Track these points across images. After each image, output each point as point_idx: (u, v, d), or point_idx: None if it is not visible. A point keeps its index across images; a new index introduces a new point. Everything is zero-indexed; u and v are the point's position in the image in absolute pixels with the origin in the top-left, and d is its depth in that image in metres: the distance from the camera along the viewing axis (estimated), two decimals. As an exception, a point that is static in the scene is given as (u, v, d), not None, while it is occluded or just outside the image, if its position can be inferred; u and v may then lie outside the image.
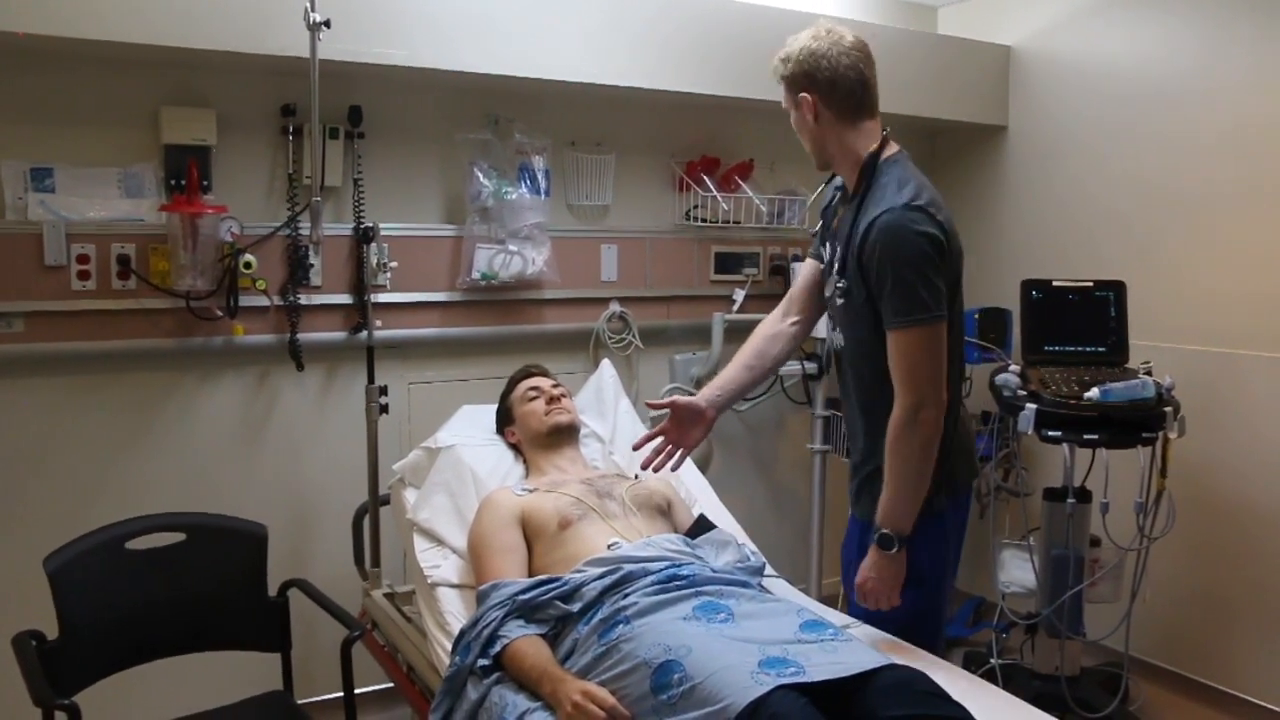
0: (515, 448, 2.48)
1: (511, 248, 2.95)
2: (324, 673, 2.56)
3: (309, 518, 2.87)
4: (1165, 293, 3.16)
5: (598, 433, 2.63)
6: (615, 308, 3.25)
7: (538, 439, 2.39)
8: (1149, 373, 2.71)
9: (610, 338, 3.25)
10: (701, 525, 2.25)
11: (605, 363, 2.87)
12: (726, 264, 3.46)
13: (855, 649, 1.64)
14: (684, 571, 1.85)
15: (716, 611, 1.72)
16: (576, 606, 1.83)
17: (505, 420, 2.51)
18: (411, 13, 2.60)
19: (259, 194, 2.73)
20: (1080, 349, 2.90)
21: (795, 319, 2.22)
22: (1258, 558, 3.00)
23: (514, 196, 2.92)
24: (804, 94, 1.94)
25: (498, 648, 1.79)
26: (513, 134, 2.98)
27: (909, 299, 1.82)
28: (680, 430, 2.17)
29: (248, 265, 2.61)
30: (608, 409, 2.70)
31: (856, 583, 1.96)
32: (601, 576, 1.86)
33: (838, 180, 2.08)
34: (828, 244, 2.06)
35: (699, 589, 1.80)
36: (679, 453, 2.18)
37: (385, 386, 2.65)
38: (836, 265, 1.99)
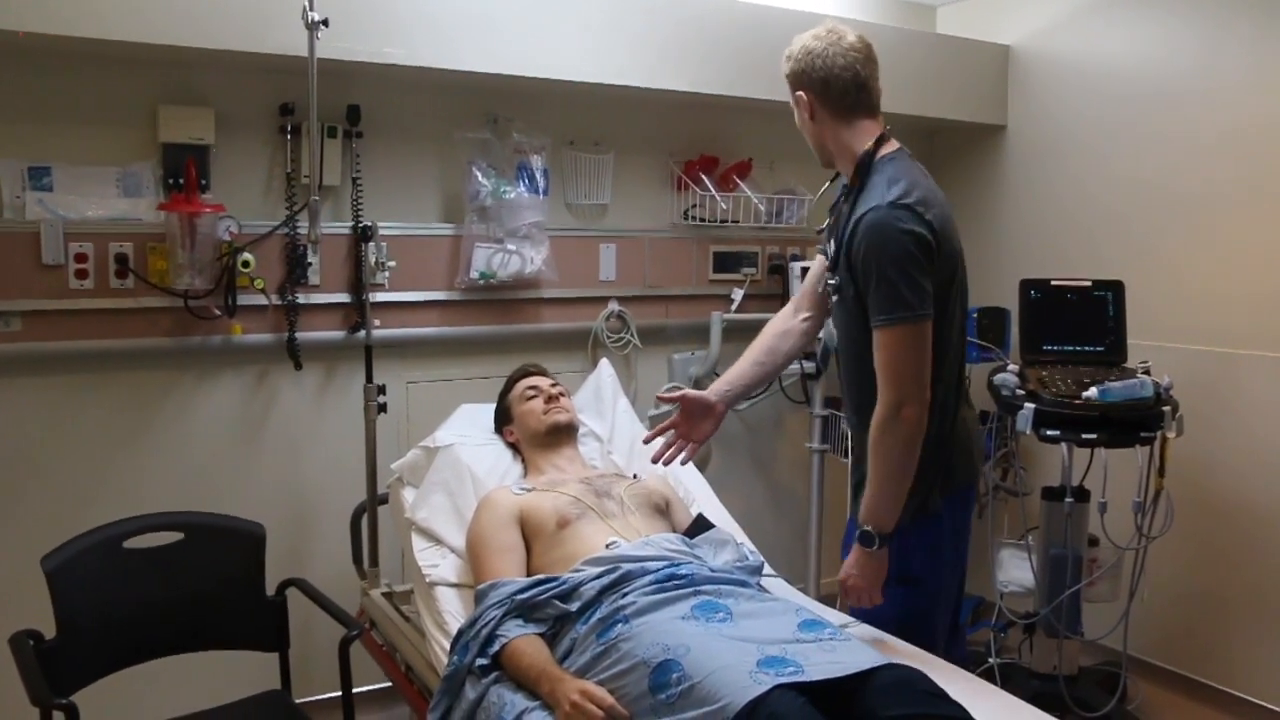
0: (514, 447, 2.48)
1: (510, 247, 2.95)
2: (322, 672, 2.56)
3: (307, 517, 2.87)
4: (1164, 292, 3.16)
5: (596, 432, 2.63)
6: (614, 307, 3.25)
7: (536, 438, 2.39)
8: (1147, 372, 2.71)
9: (609, 337, 3.25)
10: (700, 524, 2.25)
11: (604, 362, 2.88)
12: (725, 263, 3.45)
13: (854, 648, 1.64)
14: (682, 571, 1.85)
15: (715, 611, 1.72)
16: (575, 606, 1.83)
17: (504, 419, 2.51)
18: (410, 12, 2.60)
19: (257, 193, 2.73)
20: (1079, 348, 2.90)
21: (806, 315, 2.22)
22: (1256, 557, 3.00)
23: (512, 196, 2.92)
24: (800, 92, 1.96)
25: (496, 647, 1.79)
26: (511, 133, 2.98)
27: (892, 297, 1.82)
28: (690, 424, 2.17)
29: (246, 264, 2.61)
30: (606, 408, 2.70)
31: (839, 579, 1.97)
32: (600, 576, 1.86)
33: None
34: (831, 240, 2.07)
35: (697, 588, 1.80)
36: (689, 446, 2.18)
37: (383, 385, 2.65)
38: (830, 262, 2.00)
